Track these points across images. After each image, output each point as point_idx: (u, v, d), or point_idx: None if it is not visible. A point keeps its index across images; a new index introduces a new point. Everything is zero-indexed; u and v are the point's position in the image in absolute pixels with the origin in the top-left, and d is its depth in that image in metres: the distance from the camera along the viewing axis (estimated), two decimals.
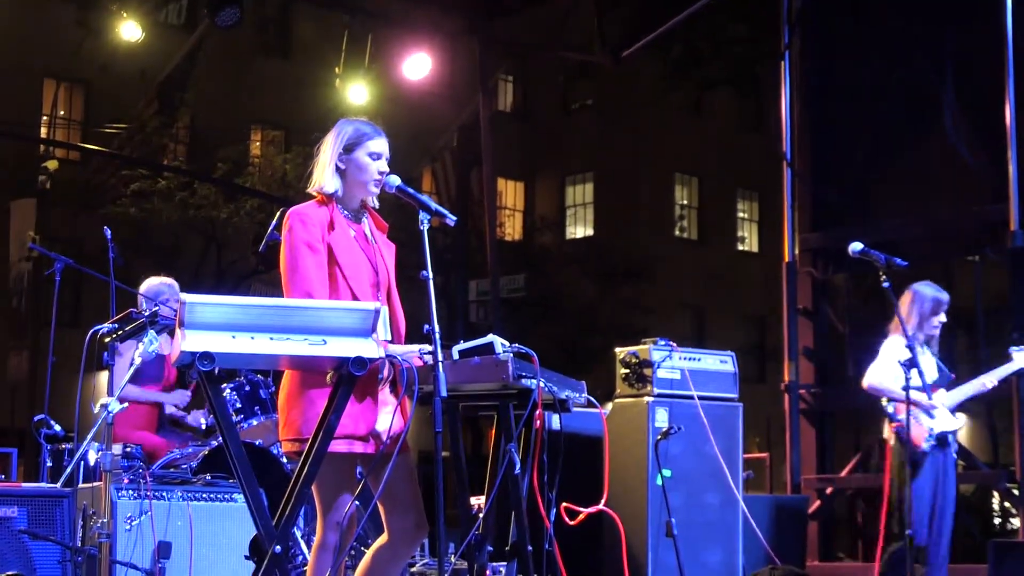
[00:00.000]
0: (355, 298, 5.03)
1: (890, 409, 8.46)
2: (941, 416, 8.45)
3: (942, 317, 8.55)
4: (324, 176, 5.19)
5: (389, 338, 5.13)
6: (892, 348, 8.42)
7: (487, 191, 21.70)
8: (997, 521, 24.11)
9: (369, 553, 5.16)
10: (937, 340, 8.63)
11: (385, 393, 5.11)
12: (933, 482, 8.38)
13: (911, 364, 7.58)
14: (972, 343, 14.83)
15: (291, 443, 4.99)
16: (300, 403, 4.95)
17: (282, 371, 5.11)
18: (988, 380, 8.54)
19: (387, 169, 5.22)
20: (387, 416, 5.06)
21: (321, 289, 5.00)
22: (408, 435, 5.09)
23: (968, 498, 21.09)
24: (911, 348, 7.89)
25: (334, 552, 4.99)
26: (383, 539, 5.13)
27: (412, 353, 5.02)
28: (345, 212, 5.21)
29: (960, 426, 8.64)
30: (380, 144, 5.24)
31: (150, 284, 8.53)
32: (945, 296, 8.56)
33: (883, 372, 8.43)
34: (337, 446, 4.84)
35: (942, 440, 8.41)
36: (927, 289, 8.55)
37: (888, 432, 8.52)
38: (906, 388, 7.60)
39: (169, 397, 8.63)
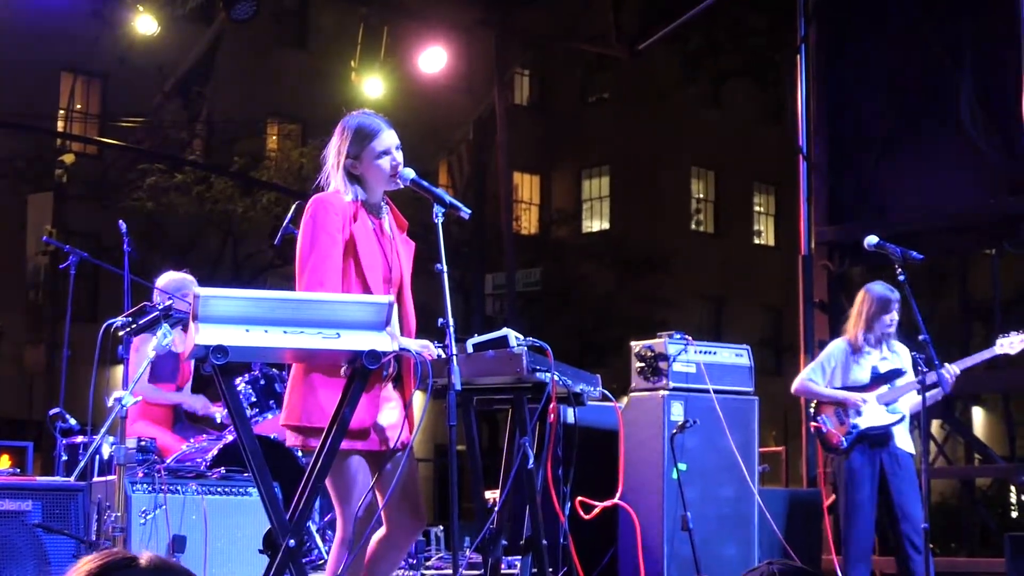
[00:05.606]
0: (367, 292, 4.99)
1: (811, 409, 8.59)
2: (870, 412, 8.35)
3: (894, 315, 8.46)
4: (339, 184, 5.13)
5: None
6: (828, 351, 8.69)
7: (503, 184, 21.73)
8: (1014, 515, 24.06)
9: (370, 544, 5.16)
10: (894, 337, 8.55)
11: (388, 389, 5.08)
12: (867, 483, 8.29)
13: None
14: (988, 335, 14.79)
15: (291, 431, 4.99)
16: (301, 390, 4.94)
17: None
18: (953, 368, 8.09)
19: (401, 159, 5.15)
20: (389, 412, 5.04)
21: (332, 283, 4.96)
22: (418, 428, 5.08)
23: (985, 491, 21.05)
24: (855, 348, 8.35)
25: (349, 545, 4.98)
26: (381, 531, 5.13)
27: (423, 346, 5.01)
28: (367, 206, 5.16)
29: (893, 421, 8.36)
30: (388, 138, 5.15)
31: (169, 278, 8.46)
32: (896, 295, 8.41)
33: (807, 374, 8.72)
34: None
35: (865, 436, 8.32)
36: (876, 288, 8.53)
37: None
38: (812, 391, 8.15)
39: (189, 400, 8.55)
